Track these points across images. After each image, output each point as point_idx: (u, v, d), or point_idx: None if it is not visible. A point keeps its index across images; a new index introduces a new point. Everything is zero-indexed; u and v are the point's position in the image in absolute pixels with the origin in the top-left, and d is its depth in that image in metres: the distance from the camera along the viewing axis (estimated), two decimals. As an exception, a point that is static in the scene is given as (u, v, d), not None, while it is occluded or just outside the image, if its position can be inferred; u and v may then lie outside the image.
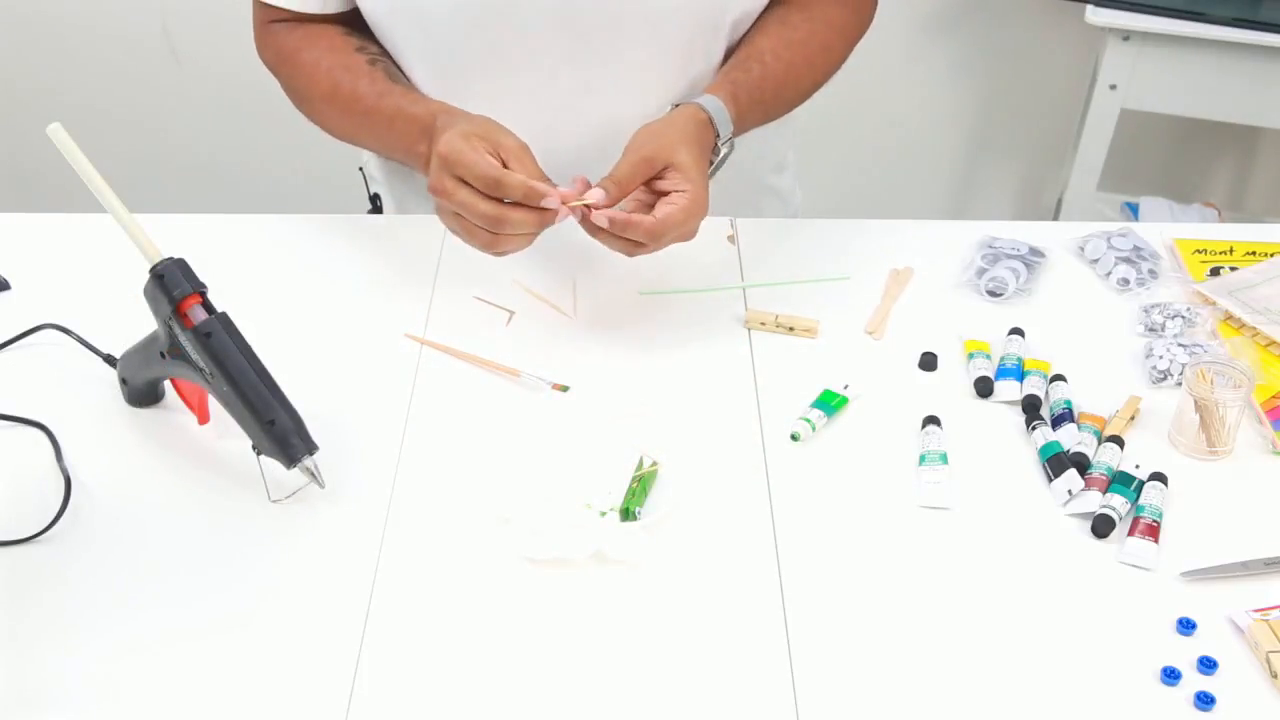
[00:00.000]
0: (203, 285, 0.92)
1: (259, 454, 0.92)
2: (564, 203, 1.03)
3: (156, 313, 0.93)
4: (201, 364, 0.91)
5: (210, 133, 2.59)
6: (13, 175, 2.64)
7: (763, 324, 1.14)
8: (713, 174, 1.13)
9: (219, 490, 0.96)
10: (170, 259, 0.92)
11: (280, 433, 0.91)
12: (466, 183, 1.00)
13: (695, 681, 0.83)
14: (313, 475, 0.93)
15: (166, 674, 0.82)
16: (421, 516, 0.94)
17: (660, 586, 0.89)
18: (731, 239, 1.25)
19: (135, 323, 1.13)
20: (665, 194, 1.07)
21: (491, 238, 1.03)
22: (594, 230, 1.06)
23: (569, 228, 1.03)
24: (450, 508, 0.95)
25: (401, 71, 1.21)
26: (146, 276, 0.92)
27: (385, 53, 1.21)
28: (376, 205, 1.41)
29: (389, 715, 0.80)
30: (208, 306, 0.92)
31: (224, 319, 0.92)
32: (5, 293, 1.16)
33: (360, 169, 1.42)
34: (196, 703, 0.81)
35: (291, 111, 1.25)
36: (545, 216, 1.03)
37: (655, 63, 1.19)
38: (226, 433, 1.00)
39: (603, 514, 0.94)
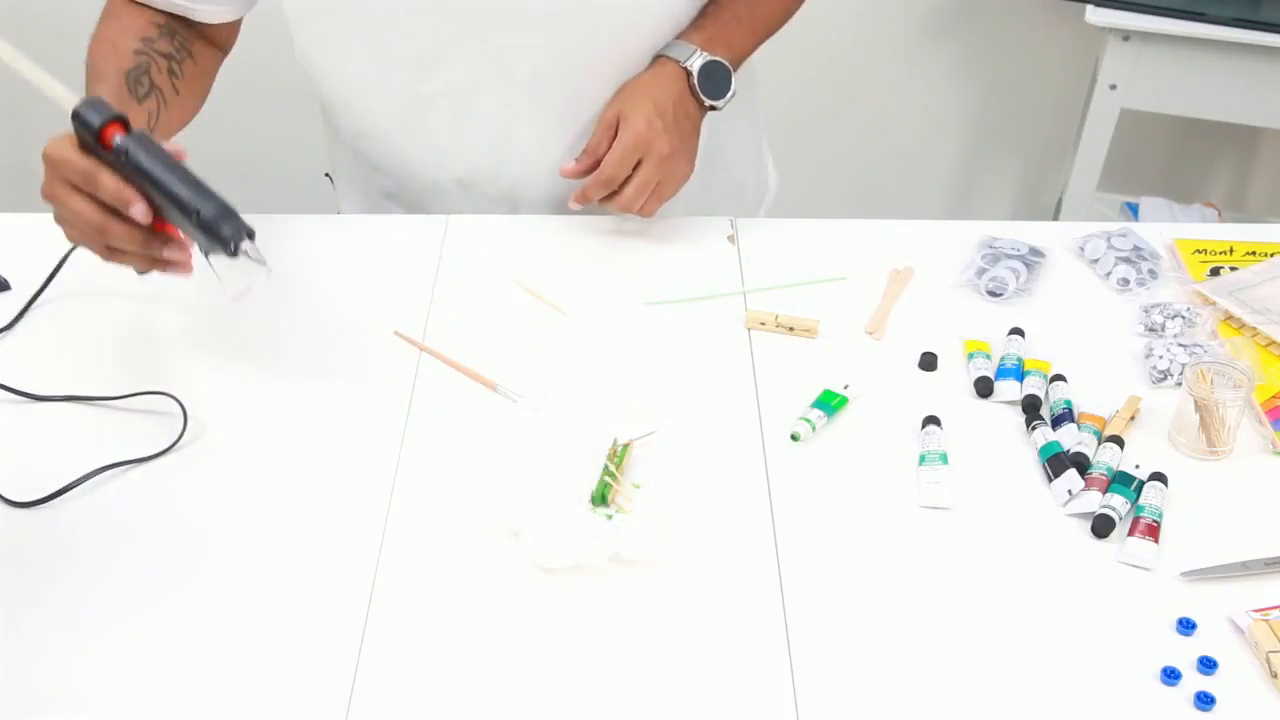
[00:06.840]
0: (122, 114, 0.93)
1: (207, 255, 0.93)
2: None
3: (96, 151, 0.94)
4: (136, 184, 0.92)
5: (205, 134, 2.58)
6: (13, 175, 2.64)
7: (763, 324, 1.14)
8: (720, 100, 1.22)
9: (218, 492, 0.96)
10: (87, 99, 0.94)
11: (207, 222, 0.91)
12: (76, 187, 0.96)
13: (695, 681, 0.83)
14: (251, 258, 0.93)
15: (167, 677, 0.82)
16: (421, 519, 0.94)
17: (660, 586, 0.89)
18: (731, 239, 1.25)
19: (136, 322, 1.13)
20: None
21: (105, 251, 0.98)
22: (585, 205, 1.18)
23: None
24: (450, 510, 0.95)
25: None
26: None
27: (176, 60, 1.25)
28: None
29: (389, 717, 0.81)
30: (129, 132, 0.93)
31: (139, 137, 0.93)
32: (5, 293, 1.16)
33: (327, 174, 1.42)
34: (197, 705, 0.81)
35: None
36: (150, 240, 0.96)
37: (625, 58, 1.22)
38: (226, 430, 1.00)
39: (609, 516, 0.94)
